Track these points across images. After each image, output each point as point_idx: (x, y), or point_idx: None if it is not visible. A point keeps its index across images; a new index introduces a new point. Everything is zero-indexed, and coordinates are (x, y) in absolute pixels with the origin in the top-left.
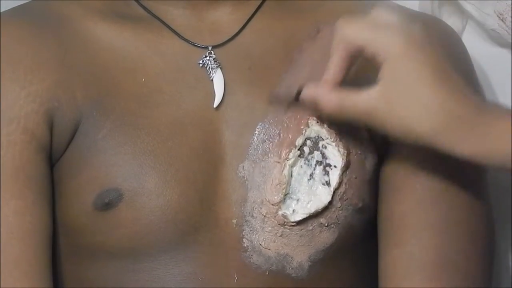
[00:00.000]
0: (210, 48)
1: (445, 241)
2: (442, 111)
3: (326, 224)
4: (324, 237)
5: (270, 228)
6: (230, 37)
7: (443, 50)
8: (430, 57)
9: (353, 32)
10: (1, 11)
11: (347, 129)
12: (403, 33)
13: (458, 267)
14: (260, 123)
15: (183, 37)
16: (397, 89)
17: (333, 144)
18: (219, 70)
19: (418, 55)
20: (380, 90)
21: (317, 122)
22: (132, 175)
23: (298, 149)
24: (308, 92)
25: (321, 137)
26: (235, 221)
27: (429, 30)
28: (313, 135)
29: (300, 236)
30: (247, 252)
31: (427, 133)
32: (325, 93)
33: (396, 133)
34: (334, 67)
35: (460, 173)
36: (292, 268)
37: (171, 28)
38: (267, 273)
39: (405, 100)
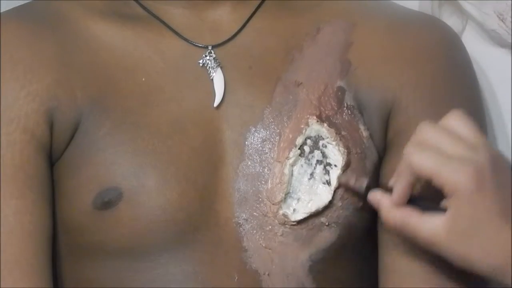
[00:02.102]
0: (210, 47)
1: None
2: (504, 252)
3: (326, 223)
4: (324, 236)
5: (270, 227)
6: (230, 36)
7: (507, 178)
8: (497, 194)
9: (420, 162)
10: (1, 11)
11: (347, 128)
12: (471, 166)
13: (457, 269)
14: (260, 122)
15: (183, 36)
16: (463, 224)
17: (333, 143)
18: (219, 69)
19: (486, 192)
20: (445, 221)
21: (317, 121)
22: (132, 174)
23: (299, 148)
24: (374, 197)
25: (321, 136)
26: (235, 220)
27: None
28: (313, 134)
29: (301, 236)
30: (247, 252)
31: (487, 270)
32: (390, 207)
33: (455, 262)
34: (401, 190)
35: None
36: (292, 268)
37: (171, 28)
38: (267, 273)
39: (470, 236)
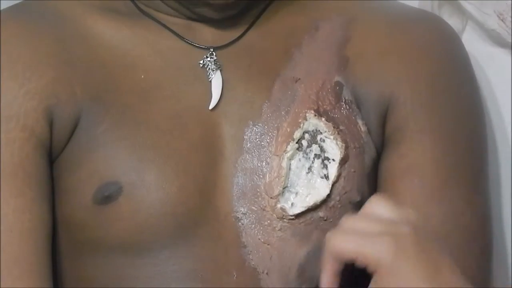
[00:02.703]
0: (211, 49)
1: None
2: None
3: (325, 218)
4: (323, 232)
5: (268, 222)
6: (232, 39)
7: (432, 245)
8: (422, 261)
9: (340, 245)
10: (1, 9)
11: (345, 122)
12: (390, 238)
13: (456, 264)
14: (259, 117)
15: (183, 38)
16: None
17: (331, 137)
18: (218, 72)
19: (409, 260)
20: None
21: (315, 115)
22: (132, 169)
23: (296, 142)
24: None
25: (319, 130)
26: (234, 214)
27: (430, 32)
28: (311, 128)
29: (299, 231)
30: (246, 248)
31: None
32: None
33: None
34: (327, 280)
35: (458, 169)
36: (290, 265)
37: (172, 30)
38: (266, 272)
39: None
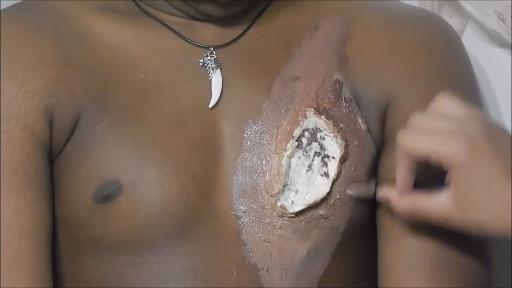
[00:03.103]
0: (211, 48)
1: (443, 237)
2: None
3: (325, 216)
4: (323, 230)
5: (268, 220)
6: (232, 38)
7: (505, 141)
8: (495, 156)
9: (413, 145)
10: (1, 9)
11: (345, 120)
12: (463, 136)
13: (457, 263)
14: (258, 116)
15: (184, 37)
16: (467, 194)
17: (331, 135)
18: (218, 71)
19: (483, 156)
20: (451, 194)
21: (315, 113)
22: (132, 167)
23: (296, 140)
24: (382, 194)
25: (319, 128)
26: (233, 213)
27: (430, 31)
28: (311, 126)
29: (299, 229)
30: (246, 246)
31: (502, 231)
32: (397, 197)
33: (472, 232)
34: (403, 178)
35: None
36: (291, 263)
37: (172, 29)
38: (266, 268)
39: (477, 202)
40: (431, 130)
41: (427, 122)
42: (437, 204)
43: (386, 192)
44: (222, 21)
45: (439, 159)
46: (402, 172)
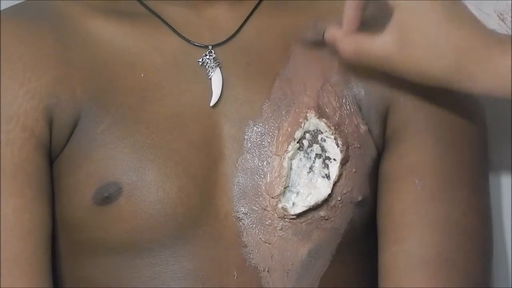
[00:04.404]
0: (210, 47)
1: (444, 239)
2: (455, 50)
3: (326, 218)
4: (324, 231)
5: (269, 221)
6: (229, 35)
7: None
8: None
9: None
10: (1, 9)
11: (345, 122)
12: None
13: (457, 265)
14: (259, 117)
15: (182, 35)
16: (410, 32)
17: (332, 137)
18: (218, 69)
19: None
20: (393, 34)
21: (316, 115)
22: (132, 169)
23: (297, 142)
24: (329, 34)
25: (320, 130)
26: (234, 214)
27: None
28: (312, 128)
29: (300, 230)
30: (247, 248)
31: (442, 73)
32: (343, 37)
33: (411, 76)
34: (350, 13)
35: (458, 170)
36: (292, 264)
37: (171, 27)
38: (267, 270)
39: (419, 42)
40: None
41: None
42: (380, 43)
43: (332, 32)
44: (219, 18)
45: None
46: (350, 9)
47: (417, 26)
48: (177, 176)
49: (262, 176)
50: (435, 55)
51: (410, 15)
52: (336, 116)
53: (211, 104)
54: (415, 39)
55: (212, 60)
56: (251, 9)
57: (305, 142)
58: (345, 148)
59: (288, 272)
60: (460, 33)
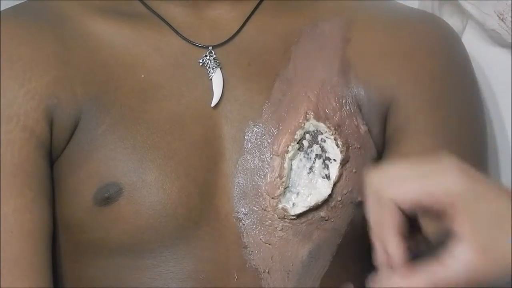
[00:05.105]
0: (210, 48)
1: None
2: None
3: (326, 218)
4: (325, 231)
5: (270, 222)
6: (230, 36)
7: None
8: (489, 181)
9: (400, 190)
10: (1, 10)
11: (345, 123)
12: (453, 166)
13: None
14: (259, 117)
15: (183, 36)
16: (484, 231)
17: (332, 137)
18: (218, 70)
19: (482, 183)
20: (466, 242)
21: (316, 116)
22: (132, 169)
23: (297, 143)
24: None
25: (320, 130)
26: (235, 215)
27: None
28: (312, 128)
29: (300, 231)
30: (247, 248)
31: None
32: (406, 280)
33: (500, 283)
34: (395, 246)
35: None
36: (292, 265)
37: (172, 27)
38: (267, 271)
39: (497, 241)
40: (412, 173)
41: (397, 171)
42: (456, 263)
43: (383, 281)
44: (220, 18)
45: (434, 197)
46: (392, 241)
47: (486, 220)
48: (178, 177)
49: (262, 176)
50: None
51: (474, 206)
52: (336, 117)
53: (213, 104)
54: (490, 237)
55: (213, 61)
56: (252, 10)
57: (305, 143)
58: (345, 148)
59: (288, 273)
60: None
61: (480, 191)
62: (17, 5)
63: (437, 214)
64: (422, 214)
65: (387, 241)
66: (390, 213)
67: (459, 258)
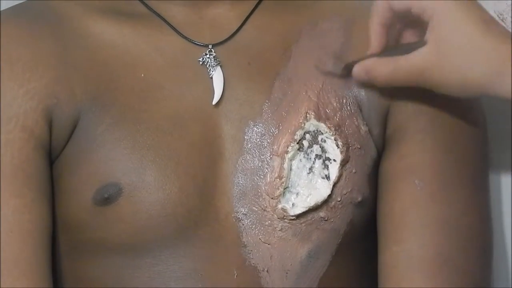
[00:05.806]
0: (210, 46)
1: (444, 239)
2: (494, 55)
3: (326, 218)
4: (324, 232)
5: (269, 222)
6: (230, 34)
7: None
8: (474, 5)
9: None
10: (1, 10)
11: (346, 123)
12: None
13: (457, 265)
14: (259, 117)
15: (183, 34)
16: (448, 43)
17: (332, 138)
18: (218, 68)
19: (464, 12)
20: (431, 48)
21: (316, 116)
22: (132, 169)
23: (297, 143)
24: (360, 68)
25: (320, 131)
26: (234, 215)
27: None
28: (312, 129)
29: (300, 231)
30: (247, 248)
31: (483, 79)
32: (376, 63)
33: (451, 87)
34: (378, 35)
35: (459, 170)
36: (291, 264)
37: (171, 26)
38: (266, 270)
39: (457, 52)
40: None
41: None
42: (417, 61)
43: (361, 65)
44: (220, 18)
45: (421, 7)
46: (375, 24)
47: (456, 34)
48: (177, 177)
49: (262, 176)
50: (474, 62)
51: (448, 24)
52: (336, 117)
53: (214, 102)
54: (454, 48)
55: (213, 59)
56: (252, 9)
57: (305, 143)
58: (345, 149)
59: (287, 273)
60: (499, 39)
61: (459, 15)
62: (17, 5)
63: (421, 25)
64: (406, 24)
65: (371, 29)
66: (378, 9)
67: (419, 56)
